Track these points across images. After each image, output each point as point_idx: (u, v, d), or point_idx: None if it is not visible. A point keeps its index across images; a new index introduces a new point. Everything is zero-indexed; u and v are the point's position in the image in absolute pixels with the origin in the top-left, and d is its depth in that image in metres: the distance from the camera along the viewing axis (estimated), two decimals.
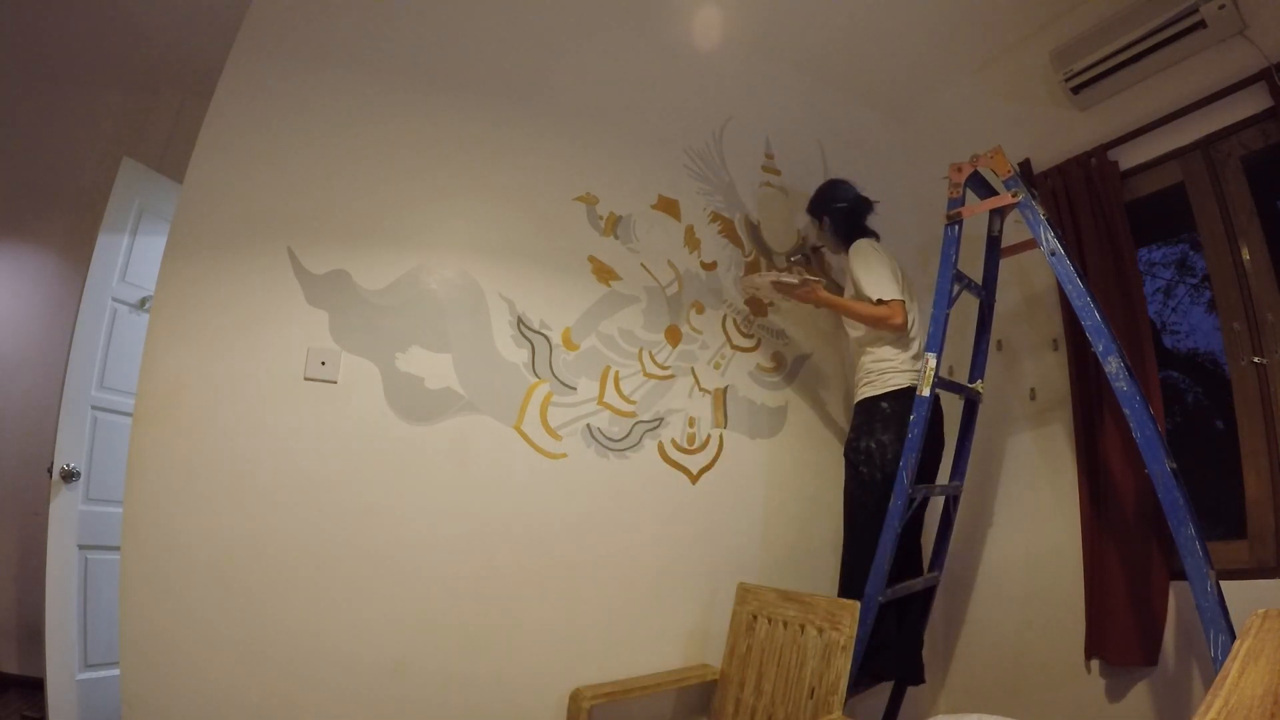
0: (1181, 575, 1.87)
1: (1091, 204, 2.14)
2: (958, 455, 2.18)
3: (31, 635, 2.36)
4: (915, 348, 2.05)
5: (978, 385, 2.11)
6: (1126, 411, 1.54)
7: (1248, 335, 1.87)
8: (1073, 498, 2.12)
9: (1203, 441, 1.99)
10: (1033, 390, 2.36)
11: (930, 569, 2.17)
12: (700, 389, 2.16)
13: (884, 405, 1.99)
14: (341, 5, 1.81)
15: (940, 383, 1.85)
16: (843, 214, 2.23)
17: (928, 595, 2.13)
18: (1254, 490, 1.82)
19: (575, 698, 1.74)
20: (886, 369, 2.01)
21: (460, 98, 1.92)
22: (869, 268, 2.04)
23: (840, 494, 2.09)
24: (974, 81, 2.58)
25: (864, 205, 2.24)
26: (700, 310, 2.21)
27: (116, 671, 1.38)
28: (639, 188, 2.17)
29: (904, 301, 2.00)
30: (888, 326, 1.98)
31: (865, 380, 2.06)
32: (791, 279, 2.09)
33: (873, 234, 2.22)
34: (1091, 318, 1.61)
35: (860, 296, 2.04)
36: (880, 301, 1.97)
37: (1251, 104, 1.86)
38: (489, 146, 1.94)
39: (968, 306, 2.10)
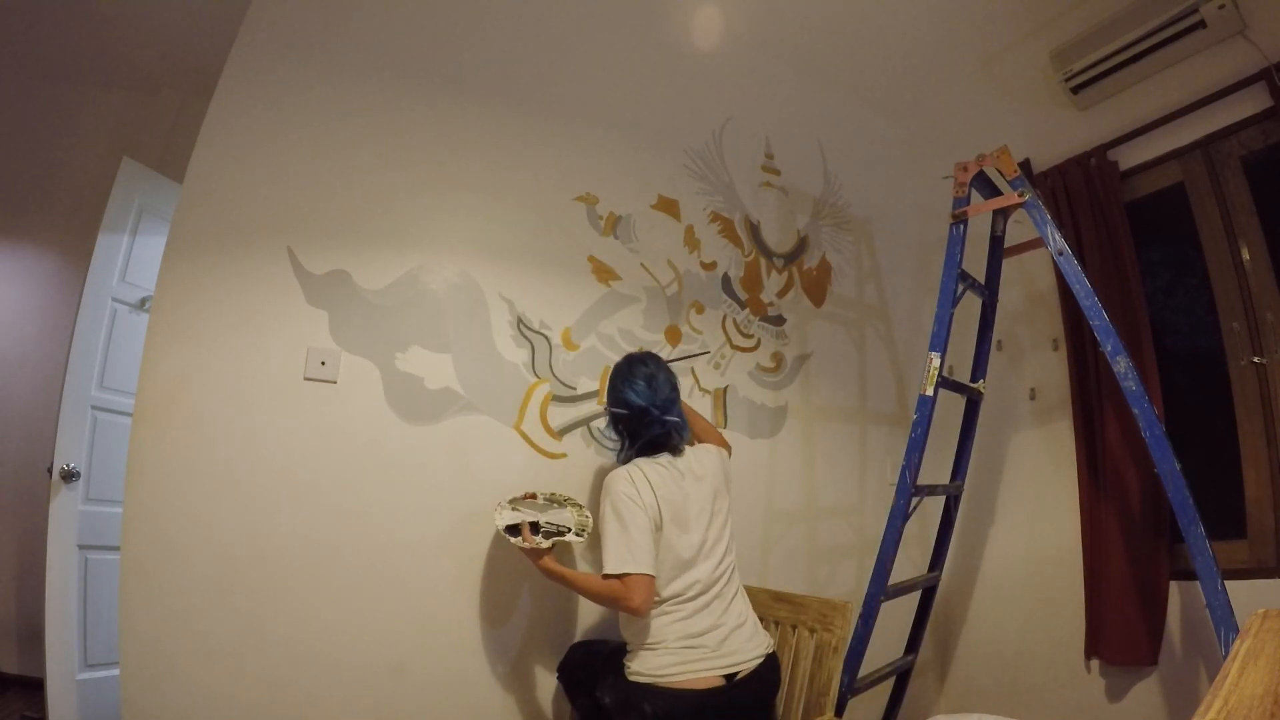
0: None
1: (1091, 204, 2.14)
2: (959, 455, 2.18)
3: (31, 635, 2.36)
4: (698, 622, 1.44)
5: (980, 385, 2.11)
6: (1136, 411, 1.54)
7: (1248, 335, 1.87)
8: (1072, 498, 2.12)
9: (1201, 441, 1.99)
10: (1033, 390, 2.36)
11: (930, 569, 2.17)
12: (700, 389, 2.16)
13: (645, 708, 1.36)
14: (342, 5, 1.81)
15: (944, 382, 1.85)
16: (618, 420, 1.64)
17: None
18: (1254, 490, 1.82)
19: None
20: (652, 646, 1.43)
21: (460, 97, 1.91)
22: (613, 518, 1.44)
23: (840, 495, 2.08)
24: (974, 81, 2.58)
25: (643, 421, 1.57)
26: (700, 310, 2.21)
27: (116, 671, 1.37)
28: (639, 188, 2.17)
29: (649, 576, 1.39)
30: (624, 609, 1.39)
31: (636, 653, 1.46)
32: (524, 545, 1.51)
33: (662, 449, 1.59)
34: (1100, 317, 1.61)
35: None
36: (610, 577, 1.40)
37: (1251, 104, 1.86)
38: (489, 146, 1.94)
39: (969, 306, 2.10)
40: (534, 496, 1.69)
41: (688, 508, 1.53)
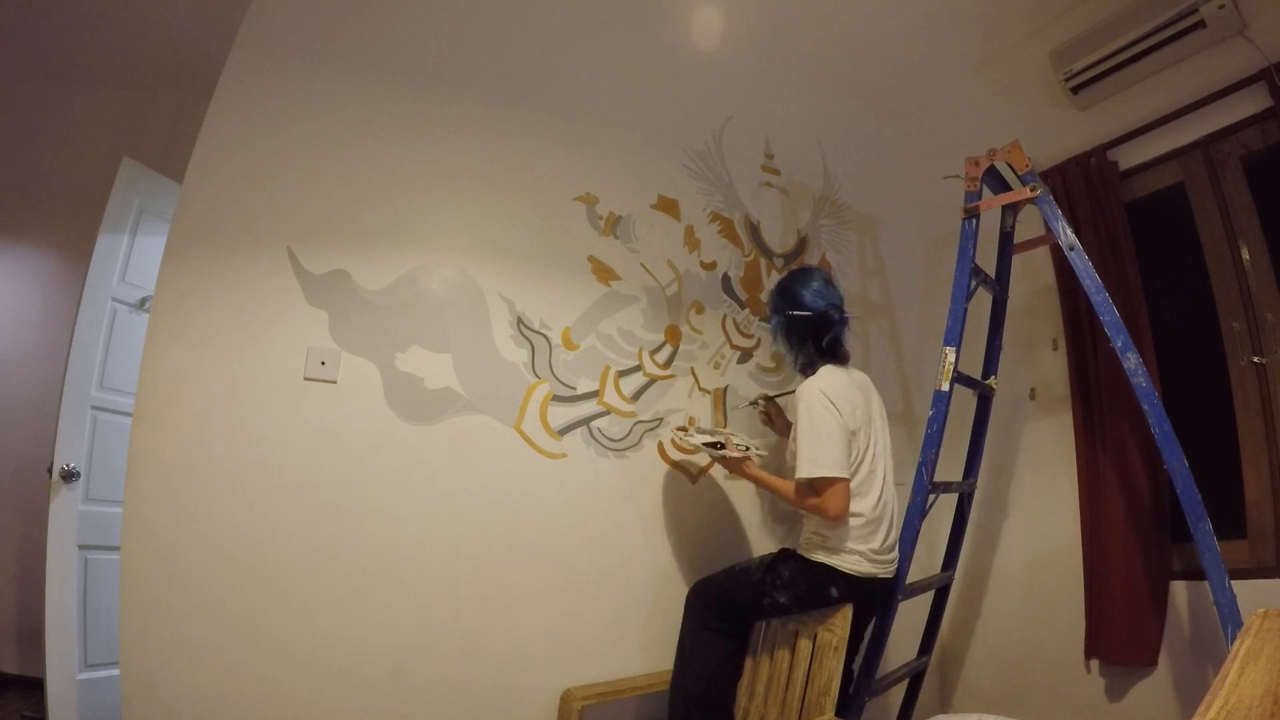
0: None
1: (1091, 204, 2.14)
2: (971, 453, 2.18)
3: (31, 635, 2.36)
4: (882, 537, 1.64)
5: (991, 381, 2.12)
6: (1145, 407, 1.54)
7: (1248, 335, 1.87)
8: (1072, 498, 2.12)
9: (1201, 442, 1.98)
10: (1032, 390, 2.36)
11: (944, 568, 2.18)
12: (700, 389, 2.16)
13: (833, 591, 1.61)
14: (342, 5, 1.81)
15: (959, 378, 1.84)
16: (798, 326, 1.76)
17: None
18: (1254, 490, 1.82)
19: (566, 698, 1.73)
20: (843, 548, 1.62)
21: (461, 98, 1.91)
22: (810, 428, 1.58)
23: None
24: (973, 81, 2.58)
25: (828, 321, 1.73)
26: (700, 310, 2.21)
27: (116, 671, 1.38)
28: (639, 188, 2.17)
29: (846, 480, 1.55)
30: (824, 517, 1.56)
31: (825, 545, 1.65)
32: (717, 440, 1.77)
33: (840, 357, 1.76)
34: (1110, 313, 1.61)
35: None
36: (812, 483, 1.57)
37: (1251, 104, 1.86)
38: (489, 146, 1.94)
39: (976, 303, 2.09)
40: (689, 425, 2.05)
41: (872, 425, 1.69)
